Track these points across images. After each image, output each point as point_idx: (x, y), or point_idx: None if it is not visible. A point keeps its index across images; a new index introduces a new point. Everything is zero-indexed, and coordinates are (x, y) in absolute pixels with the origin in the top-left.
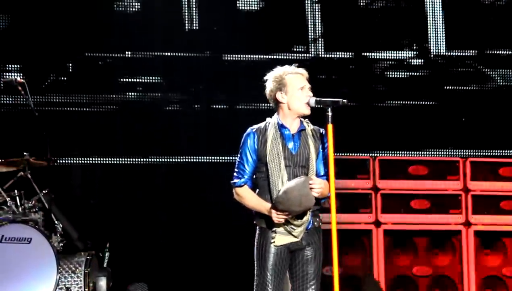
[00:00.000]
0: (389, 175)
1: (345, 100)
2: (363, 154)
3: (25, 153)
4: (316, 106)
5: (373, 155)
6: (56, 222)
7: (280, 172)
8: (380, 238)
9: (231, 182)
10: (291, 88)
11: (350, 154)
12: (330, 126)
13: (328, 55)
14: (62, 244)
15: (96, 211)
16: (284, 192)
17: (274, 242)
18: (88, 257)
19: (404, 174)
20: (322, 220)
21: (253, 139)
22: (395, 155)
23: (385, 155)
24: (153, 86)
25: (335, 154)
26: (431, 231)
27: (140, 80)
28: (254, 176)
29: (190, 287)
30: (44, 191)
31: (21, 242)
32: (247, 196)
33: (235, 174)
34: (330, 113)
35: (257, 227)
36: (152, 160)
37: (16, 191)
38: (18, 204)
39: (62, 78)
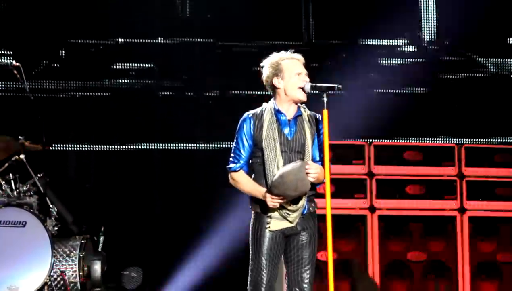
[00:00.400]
0: (384, 161)
1: (340, 86)
2: (358, 140)
3: (20, 137)
4: (312, 91)
5: (368, 140)
6: (51, 205)
7: (275, 157)
8: (374, 224)
9: (227, 167)
10: (288, 74)
11: (346, 140)
12: (325, 112)
13: (321, 42)
14: (56, 228)
15: (91, 195)
16: (280, 175)
17: (269, 227)
18: (82, 241)
19: (399, 159)
20: (317, 205)
21: (249, 125)
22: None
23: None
24: (146, 72)
25: (331, 140)
26: (426, 217)
27: (133, 66)
28: (250, 161)
29: (185, 271)
30: (39, 175)
31: (16, 225)
32: (242, 181)
33: (230, 159)
34: (325, 99)
35: (252, 212)
36: (145, 146)
37: (11, 174)
38: (13, 187)
39: (54, 64)
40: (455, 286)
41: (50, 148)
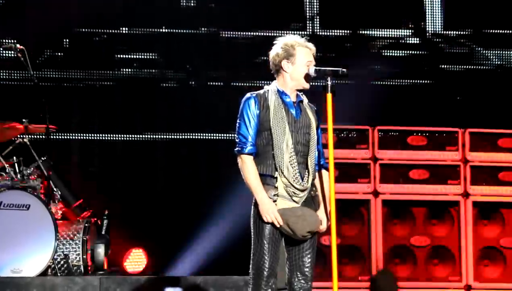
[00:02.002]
0: (388, 145)
1: (344, 70)
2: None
3: (24, 120)
4: (315, 75)
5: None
6: (54, 189)
7: (284, 136)
8: (378, 208)
9: (236, 149)
10: (299, 61)
11: (350, 124)
12: (329, 95)
13: (324, 33)
14: (60, 211)
15: (94, 179)
16: (298, 216)
17: (276, 204)
18: (86, 224)
19: (403, 144)
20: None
21: (254, 104)
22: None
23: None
24: (149, 62)
25: (335, 124)
26: (430, 202)
27: (137, 56)
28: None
29: (188, 254)
30: (43, 158)
31: (20, 208)
32: (251, 170)
33: (237, 140)
34: (329, 83)
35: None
36: (149, 136)
37: (15, 157)
38: (17, 170)
39: (58, 53)
40: (459, 271)
41: (54, 132)
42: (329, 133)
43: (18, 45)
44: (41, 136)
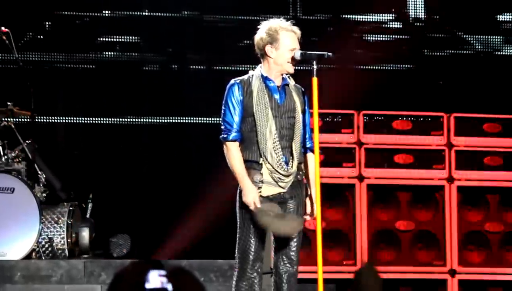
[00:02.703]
0: (373, 130)
1: (330, 54)
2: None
3: (8, 103)
4: (301, 59)
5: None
6: (39, 172)
7: (267, 121)
8: (363, 193)
9: (221, 137)
10: (282, 46)
11: (334, 109)
12: (315, 80)
13: (306, 17)
14: (45, 194)
15: (79, 162)
16: (282, 216)
17: (260, 192)
18: (71, 208)
19: (388, 128)
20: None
21: (238, 90)
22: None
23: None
24: (131, 46)
25: (320, 109)
26: (414, 186)
27: (118, 39)
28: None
29: (173, 239)
30: (27, 141)
31: (4, 191)
32: (236, 157)
33: (222, 127)
34: (315, 67)
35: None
36: (132, 119)
37: None
38: (1, 153)
39: (39, 36)
40: (443, 255)
41: (38, 116)
42: (315, 117)
43: (2, 28)
44: (25, 120)
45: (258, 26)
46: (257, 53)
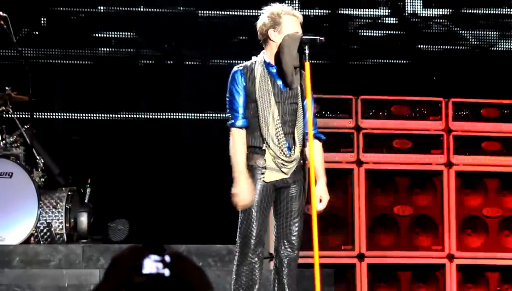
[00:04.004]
0: (371, 115)
1: (322, 38)
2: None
3: (6, 88)
4: None
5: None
6: (37, 157)
7: (270, 108)
8: (361, 177)
9: (228, 123)
10: (285, 31)
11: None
12: (307, 64)
13: (303, 12)
14: (43, 179)
15: (77, 148)
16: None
17: (263, 177)
18: (69, 193)
19: (386, 113)
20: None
21: (241, 77)
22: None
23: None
24: (127, 41)
25: (318, 94)
26: (413, 171)
27: (114, 35)
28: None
29: (172, 223)
30: (25, 126)
31: (2, 176)
32: (239, 146)
33: (229, 115)
34: (307, 51)
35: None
36: (129, 115)
37: None
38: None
39: (35, 32)
40: (441, 240)
41: (35, 103)
42: (308, 101)
43: (0, 13)
44: (24, 114)
45: (261, 12)
46: (259, 39)
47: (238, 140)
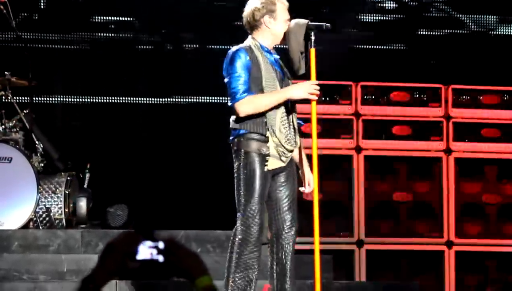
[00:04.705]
0: (371, 101)
1: (328, 25)
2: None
3: (6, 72)
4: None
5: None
6: (36, 142)
7: None
8: (360, 164)
9: (234, 100)
10: (280, 18)
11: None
12: (313, 50)
13: None
14: (42, 164)
15: (77, 133)
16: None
17: (267, 165)
18: (68, 178)
19: (386, 100)
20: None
21: (245, 56)
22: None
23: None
24: (125, 25)
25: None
26: (412, 158)
27: (112, 19)
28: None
29: (171, 209)
30: (25, 111)
31: (1, 161)
32: (256, 98)
33: (233, 91)
34: (313, 38)
35: (242, 151)
36: (129, 99)
37: None
38: None
39: (34, 15)
40: (440, 227)
41: (35, 87)
42: None
43: None
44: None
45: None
46: (246, 25)
47: (253, 98)
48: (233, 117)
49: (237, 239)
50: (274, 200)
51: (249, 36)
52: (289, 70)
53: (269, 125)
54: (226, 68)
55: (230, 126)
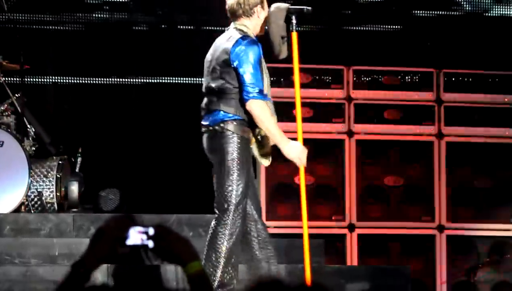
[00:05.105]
0: (362, 85)
1: (309, 8)
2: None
3: None
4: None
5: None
6: (28, 126)
7: (269, 86)
8: (352, 148)
9: (251, 95)
10: (266, 8)
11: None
12: (294, 34)
13: None
14: (34, 148)
15: (68, 117)
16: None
17: (252, 150)
18: (60, 162)
19: (377, 84)
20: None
21: (260, 50)
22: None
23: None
24: (120, 6)
25: (309, 64)
26: (404, 142)
27: (107, 0)
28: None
29: (163, 193)
30: (16, 95)
31: None
32: (268, 114)
33: (252, 86)
34: (294, 21)
35: (236, 136)
36: (122, 80)
37: None
38: None
39: None
40: (432, 211)
41: (27, 72)
42: (295, 74)
43: None
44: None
45: None
46: (235, 13)
47: (267, 111)
48: (223, 101)
49: (227, 231)
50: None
51: (241, 23)
52: (269, 54)
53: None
54: (239, 54)
55: (216, 107)
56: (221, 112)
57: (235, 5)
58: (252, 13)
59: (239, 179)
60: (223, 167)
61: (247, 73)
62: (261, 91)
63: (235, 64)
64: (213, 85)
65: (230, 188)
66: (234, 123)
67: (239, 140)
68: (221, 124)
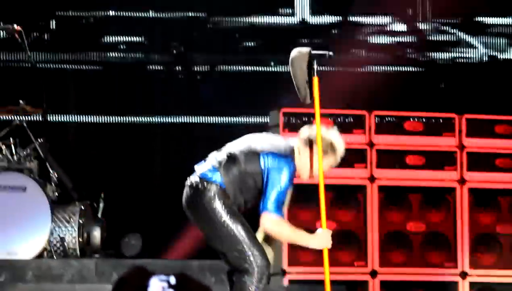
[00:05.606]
0: (384, 130)
1: (331, 53)
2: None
3: (21, 101)
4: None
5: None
6: (51, 171)
7: None
8: (374, 194)
9: (270, 211)
10: (315, 158)
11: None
12: (315, 79)
13: (313, 20)
14: (56, 193)
15: (91, 161)
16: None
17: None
18: (82, 207)
19: (399, 129)
20: None
21: (293, 175)
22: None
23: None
24: (136, 46)
25: (330, 108)
26: (426, 188)
27: (123, 40)
28: (246, 179)
29: (185, 239)
30: (39, 140)
31: (16, 190)
32: (285, 226)
33: (274, 202)
34: (315, 66)
35: (214, 185)
36: (142, 119)
37: (11, 139)
38: (13, 152)
39: (45, 36)
40: (454, 257)
41: (50, 113)
42: (317, 118)
43: (16, 26)
44: (37, 119)
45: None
46: (305, 140)
47: (285, 224)
48: (225, 165)
49: (250, 278)
50: None
51: (295, 147)
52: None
53: (245, 202)
54: (276, 171)
55: (216, 166)
56: (216, 170)
57: (307, 134)
58: (310, 151)
59: (248, 235)
60: (217, 224)
61: (272, 189)
62: (280, 208)
63: (268, 176)
64: (238, 158)
65: (241, 246)
66: (219, 189)
67: (217, 189)
68: (208, 180)
